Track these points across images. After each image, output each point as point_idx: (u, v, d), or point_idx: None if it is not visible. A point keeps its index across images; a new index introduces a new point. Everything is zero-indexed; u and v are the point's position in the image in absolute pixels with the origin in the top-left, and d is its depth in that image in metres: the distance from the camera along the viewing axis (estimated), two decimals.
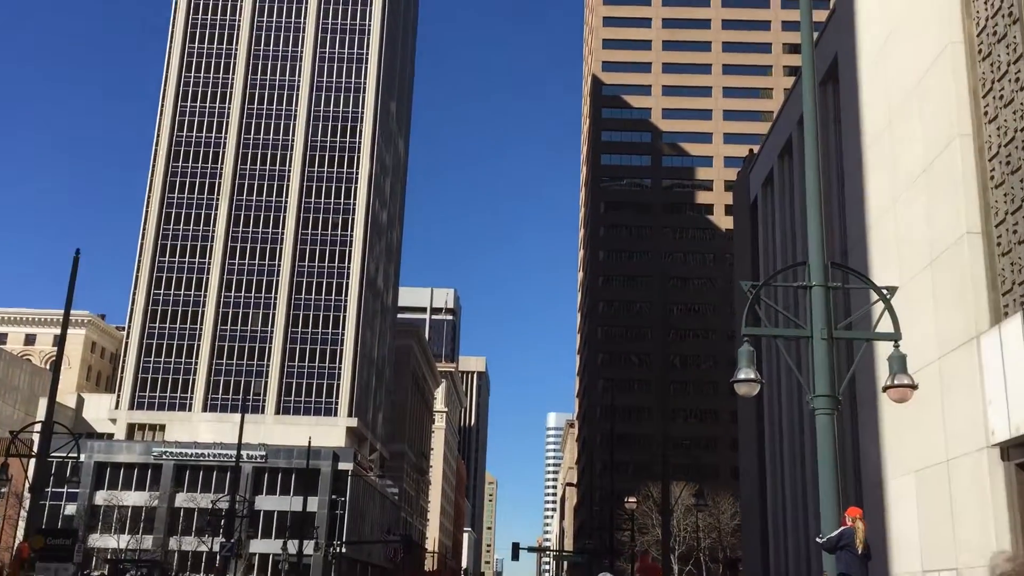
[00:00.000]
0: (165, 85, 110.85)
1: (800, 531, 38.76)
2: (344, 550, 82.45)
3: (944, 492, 19.85)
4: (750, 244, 51.57)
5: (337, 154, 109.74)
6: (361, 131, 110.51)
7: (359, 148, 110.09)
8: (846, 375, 14.24)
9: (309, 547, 72.40)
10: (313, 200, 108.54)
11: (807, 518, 36.64)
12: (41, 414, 79.40)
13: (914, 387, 13.15)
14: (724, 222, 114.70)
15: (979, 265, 19.20)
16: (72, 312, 32.76)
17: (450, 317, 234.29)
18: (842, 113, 31.13)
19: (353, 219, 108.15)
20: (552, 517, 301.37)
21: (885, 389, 13.53)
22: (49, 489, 59.48)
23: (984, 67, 20.09)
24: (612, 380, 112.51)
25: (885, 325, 13.90)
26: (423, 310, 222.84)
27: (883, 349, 17.87)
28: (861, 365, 23.41)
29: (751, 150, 64.25)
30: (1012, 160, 18.70)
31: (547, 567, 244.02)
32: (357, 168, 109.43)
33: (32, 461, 29.77)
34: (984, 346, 18.52)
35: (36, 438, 32.76)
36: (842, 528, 12.06)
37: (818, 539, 12.46)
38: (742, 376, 13.28)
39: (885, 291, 13.84)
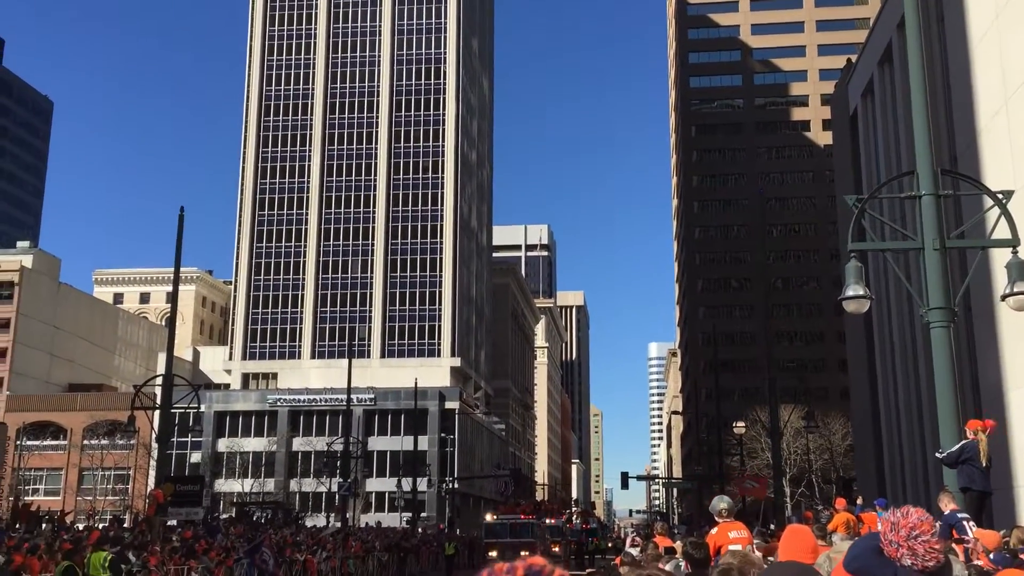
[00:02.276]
0: (251, 41, 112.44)
1: (916, 447, 37.93)
2: (456, 485, 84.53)
3: None
4: (851, 158, 49.84)
5: (423, 97, 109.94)
6: (445, 72, 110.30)
7: (444, 90, 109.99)
8: (960, 286, 13.71)
9: (423, 484, 74.46)
10: (402, 144, 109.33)
11: (923, 434, 35.81)
12: (160, 368, 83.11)
13: None
14: (822, 138, 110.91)
15: None
16: (181, 269, 33.96)
17: (545, 253, 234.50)
18: (945, 12, 29.51)
19: (443, 161, 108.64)
20: (659, 446, 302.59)
21: (1003, 298, 12.99)
22: (174, 439, 62.31)
23: None
24: (713, 306, 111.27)
25: (1001, 232, 13.27)
26: (518, 248, 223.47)
27: (999, 257, 17.10)
28: (976, 274, 22.51)
29: (848, 60, 61.68)
30: None
31: (656, 494, 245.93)
32: (443, 110, 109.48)
33: (156, 413, 31.22)
34: None
35: (158, 391, 34.31)
36: (963, 442, 11.72)
37: (938, 454, 12.15)
38: (850, 293, 12.92)
39: (1000, 195, 13.18)
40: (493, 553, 44.81)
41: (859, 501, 18.54)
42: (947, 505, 10.41)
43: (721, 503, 10.72)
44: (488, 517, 50.65)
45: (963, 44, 26.08)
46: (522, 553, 41.38)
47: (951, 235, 13.36)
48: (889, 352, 43.05)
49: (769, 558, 9.36)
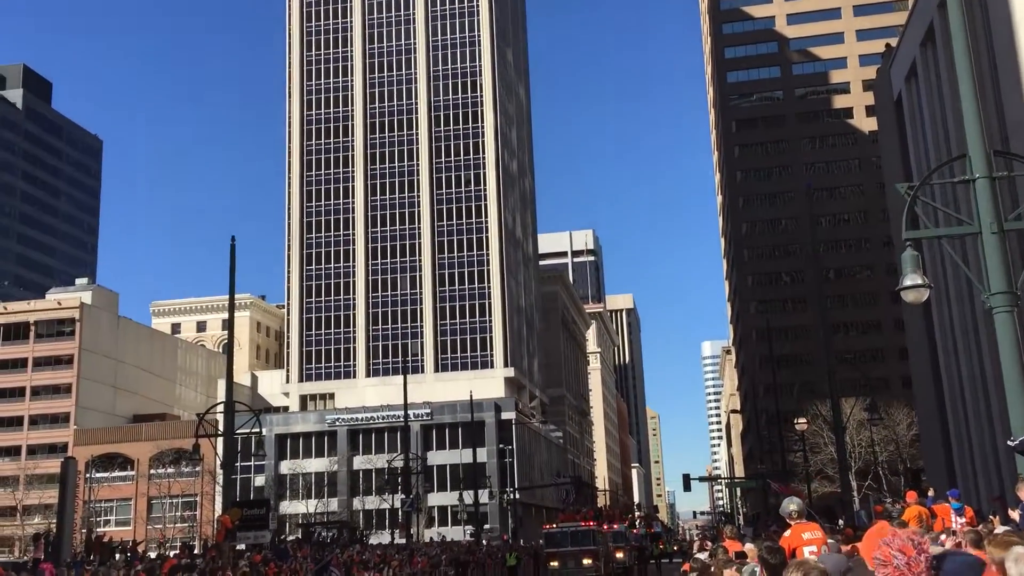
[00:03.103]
0: (289, 69, 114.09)
1: (985, 435, 37.10)
2: (517, 496, 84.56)
3: None
4: (898, 143, 49.03)
5: (461, 111, 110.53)
6: (481, 84, 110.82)
7: (481, 102, 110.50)
8: (1021, 268, 13.40)
9: (484, 496, 74.58)
10: (443, 159, 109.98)
11: (991, 420, 35.02)
12: (219, 395, 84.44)
13: None
14: (866, 124, 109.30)
15: None
16: (235, 296, 34.50)
17: (592, 258, 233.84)
18: None
19: (484, 173, 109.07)
20: (719, 445, 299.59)
21: None
22: (238, 464, 63.32)
23: None
24: (765, 301, 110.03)
25: None
26: (564, 254, 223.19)
27: None
28: None
29: (888, 44, 60.82)
30: None
31: (719, 495, 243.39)
32: (482, 122, 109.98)
33: (220, 440, 31.71)
34: None
35: (220, 418, 34.86)
36: None
37: (1010, 442, 11.88)
38: (908, 282, 12.71)
39: None
40: (554, 563, 43.15)
41: (931, 493, 18.18)
42: None
43: (791, 504, 10.59)
44: (548, 526, 48.77)
45: (1007, 21, 25.57)
46: (584, 562, 40.05)
47: (1008, 217, 13.07)
48: (951, 338, 42.19)
49: (853, 556, 9.22)
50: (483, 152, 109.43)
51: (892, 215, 55.28)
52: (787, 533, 10.51)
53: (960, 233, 13.71)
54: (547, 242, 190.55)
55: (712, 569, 8.23)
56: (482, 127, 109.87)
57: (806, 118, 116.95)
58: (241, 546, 34.43)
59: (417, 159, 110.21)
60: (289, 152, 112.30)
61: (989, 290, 12.16)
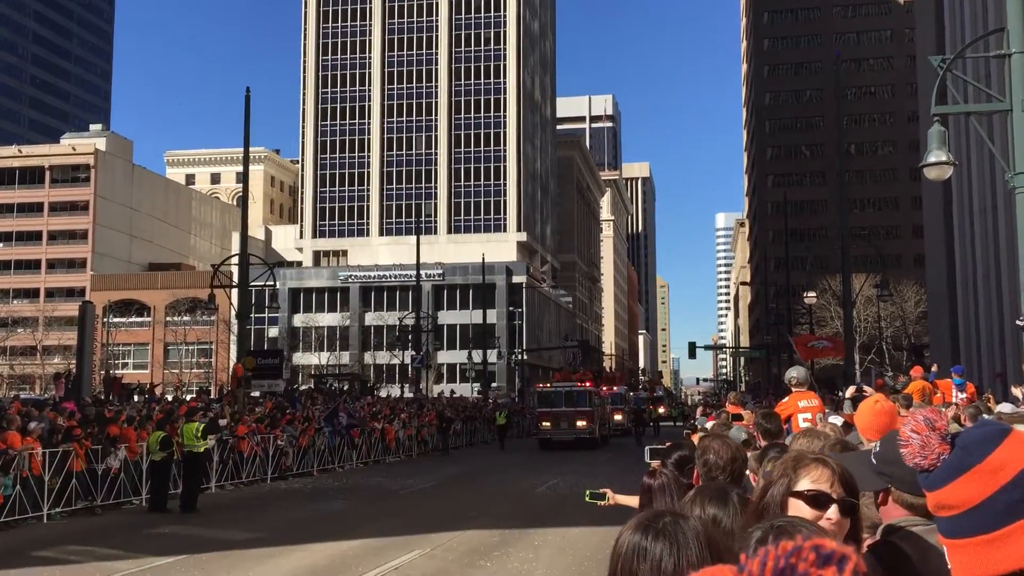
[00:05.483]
0: None
1: (994, 314, 37.31)
2: (525, 357, 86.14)
3: None
4: (935, 15, 47.37)
5: None
6: None
7: None
8: None
9: (492, 356, 76.04)
10: (463, 16, 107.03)
11: (1001, 301, 35.15)
12: (233, 247, 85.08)
13: None
14: None
15: None
16: (250, 149, 34.32)
17: (610, 124, 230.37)
18: None
19: (505, 32, 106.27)
20: (726, 316, 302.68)
21: None
22: (252, 315, 64.55)
23: None
24: (783, 174, 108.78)
25: None
26: (582, 119, 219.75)
27: None
28: None
29: None
30: None
31: (723, 363, 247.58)
32: None
33: (235, 291, 32.18)
34: None
35: (234, 270, 35.27)
36: None
37: (1019, 322, 11.96)
38: (933, 159, 12.53)
39: None
40: (546, 423, 40.54)
41: (934, 368, 18.44)
42: None
43: (793, 372, 10.77)
44: (541, 385, 45.32)
45: None
46: (578, 423, 38.50)
47: None
48: (968, 217, 41.90)
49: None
50: (504, 9, 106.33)
51: (921, 89, 53.91)
52: (785, 400, 10.72)
53: (990, 110, 13.39)
54: (565, 106, 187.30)
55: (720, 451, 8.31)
56: None
57: None
58: (255, 393, 35.48)
59: (437, 14, 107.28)
60: (306, 2, 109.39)
61: (1014, 169, 11.98)
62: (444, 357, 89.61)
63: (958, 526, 1.57)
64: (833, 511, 2.26)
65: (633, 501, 5.55)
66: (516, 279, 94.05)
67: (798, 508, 2.29)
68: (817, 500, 2.29)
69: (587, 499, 6.31)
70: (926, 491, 1.67)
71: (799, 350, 29.67)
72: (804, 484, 2.32)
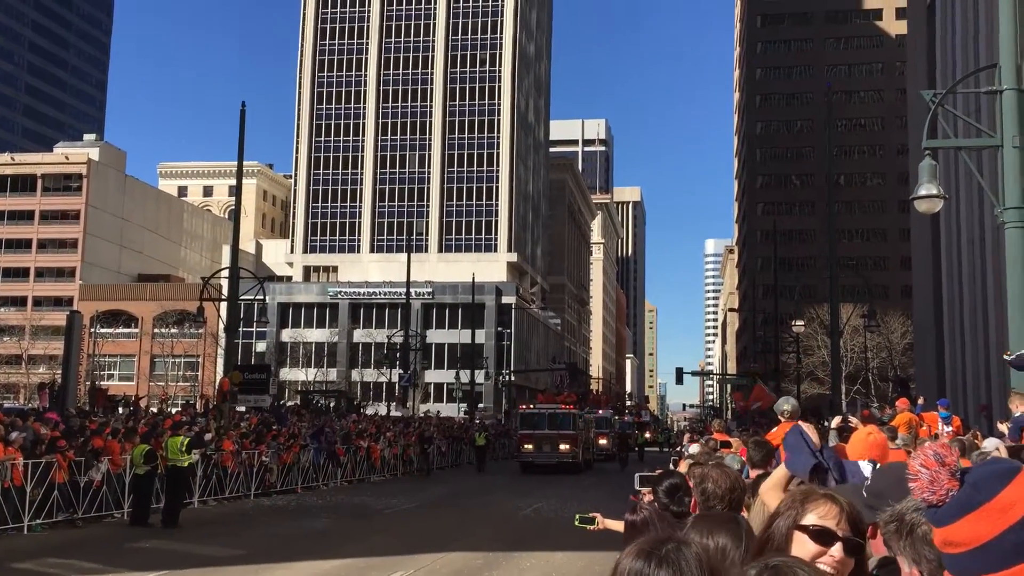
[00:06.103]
0: None
1: (980, 348, 37.49)
2: (512, 378, 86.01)
3: None
4: (926, 49, 47.87)
5: None
6: None
7: None
8: None
9: (480, 376, 75.88)
10: (459, 36, 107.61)
11: (987, 335, 35.32)
12: (224, 260, 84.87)
13: None
14: (895, 28, 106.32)
15: None
16: (243, 162, 34.32)
17: (602, 148, 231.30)
18: None
19: (500, 54, 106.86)
20: (713, 342, 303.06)
21: None
22: (240, 329, 64.29)
23: None
24: (772, 203, 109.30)
25: None
26: (575, 143, 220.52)
27: None
28: None
29: None
30: None
31: (710, 390, 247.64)
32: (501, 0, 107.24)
33: (223, 304, 32.09)
34: None
35: (224, 283, 35.17)
36: None
37: (1006, 356, 12.02)
38: (923, 192, 12.62)
39: None
40: (528, 446, 39.54)
41: (921, 400, 18.51)
42: (1018, 407, 10.38)
43: (785, 404, 10.77)
44: (524, 407, 44.33)
45: None
46: (560, 447, 38.29)
47: None
48: (956, 250, 42.16)
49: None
50: (501, 32, 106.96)
51: (911, 122, 54.42)
52: (775, 430, 10.74)
53: (981, 145, 13.54)
54: (559, 129, 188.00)
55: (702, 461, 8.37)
56: (501, 5, 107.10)
57: (834, 17, 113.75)
58: (241, 408, 35.29)
59: (433, 34, 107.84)
60: (303, 20, 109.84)
61: (1003, 204, 12.09)
62: (431, 376, 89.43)
63: (965, 564, 1.53)
64: (837, 549, 2.22)
65: (622, 527, 5.55)
66: (506, 299, 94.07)
67: (802, 542, 2.25)
68: (822, 536, 2.25)
69: (576, 523, 6.31)
70: (933, 527, 1.64)
71: (757, 393, 29.99)
72: (810, 519, 2.28)
